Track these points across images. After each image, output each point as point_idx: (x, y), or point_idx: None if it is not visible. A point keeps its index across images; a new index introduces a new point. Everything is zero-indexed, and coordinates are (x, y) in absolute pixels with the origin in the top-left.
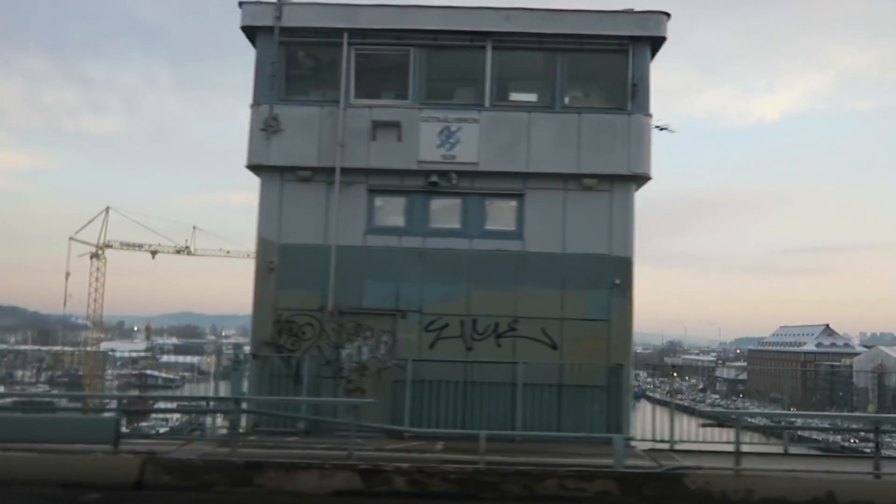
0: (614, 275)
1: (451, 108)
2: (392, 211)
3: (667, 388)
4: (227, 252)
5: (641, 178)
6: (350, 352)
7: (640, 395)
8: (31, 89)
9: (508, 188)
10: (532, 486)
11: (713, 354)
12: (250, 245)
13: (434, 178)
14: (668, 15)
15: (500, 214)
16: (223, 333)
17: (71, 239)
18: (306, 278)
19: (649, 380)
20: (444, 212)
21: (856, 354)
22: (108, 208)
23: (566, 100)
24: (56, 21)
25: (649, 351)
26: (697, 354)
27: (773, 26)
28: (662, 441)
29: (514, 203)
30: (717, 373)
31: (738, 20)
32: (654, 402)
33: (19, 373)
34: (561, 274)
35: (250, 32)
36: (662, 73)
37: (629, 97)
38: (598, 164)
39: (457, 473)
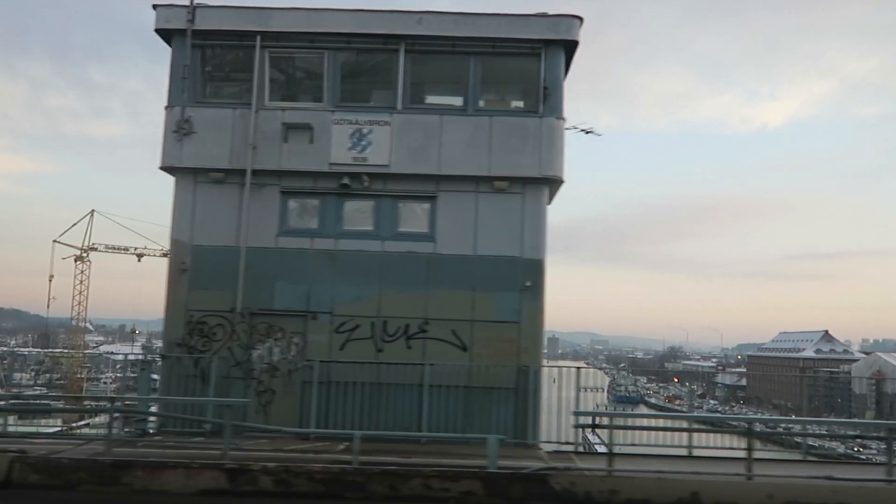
0: (525, 277)
1: (363, 111)
2: (305, 213)
3: (665, 394)
4: None
5: (553, 181)
6: (261, 353)
7: (639, 400)
8: (35, 94)
9: (421, 190)
10: (397, 487)
11: (714, 360)
12: None
13: (346, 181)
14: (580, 19)
15: (413, 216)
16: None
17: (55, 241)
18: (218, 280)
19: (648, 385)
20: (358, 214)
21: (854, 361)
22: (92, 211)
23: (481, 103)
24: (60, 26)
25: (650, 356)
26: (698, 360)
27: (776, 33)
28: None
29: (426, 205)
30: (718, 379)
31: (741, 27)
32: (651, 407)
33: (17, 375)
34: (472, 276)
35: (165, 35)
36: (665, 78)
37: (541, 100)
38: (509, 167)
39: (323, 473)
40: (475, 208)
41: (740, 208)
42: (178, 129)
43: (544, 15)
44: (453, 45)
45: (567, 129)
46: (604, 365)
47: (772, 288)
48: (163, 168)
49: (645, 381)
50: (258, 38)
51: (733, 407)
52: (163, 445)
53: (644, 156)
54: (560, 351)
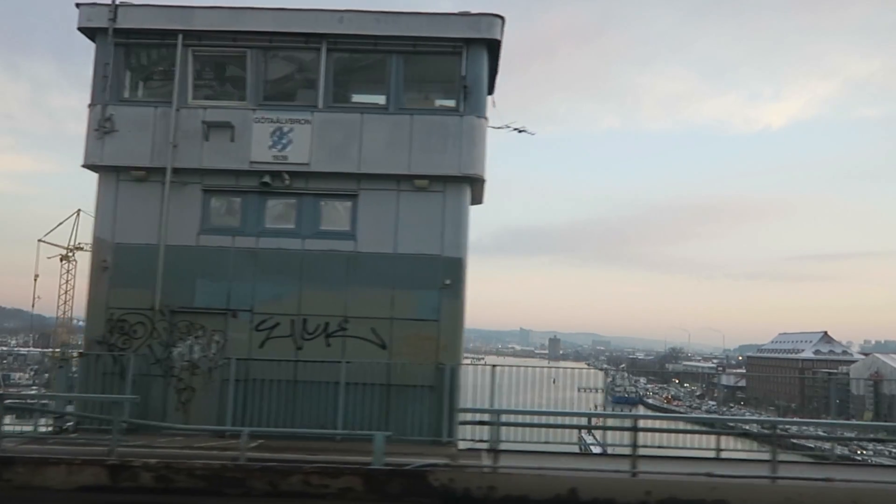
0: (445, 275)
1: (285, 110)
2: (226, 211)
3: (664, 395)
4: None
5: (475, 180)
6: (181, 350)
7: (638, 401)
8: (38, 94)
9: (342, 189)
10: (277, 483)
11: (715, 361)
12: None
13: (266, 179)
14: (501, 18)
15: (335, 215)
16: None
17: (40, 241)
18: (138, 277)
19: (648, 386)
20: (279, 212)
21: (853, 362)
22: (78, 211)
23: (403, 101)
24: (63, 27)
25: (651, 357)
26: (699, 361)
27: (779, 34)
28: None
29: (347, 203)
30: (718, 380)
31: (743, 27)
32: (649, 408)
33: (17, 375)
34: (392, 274)
35: (89, 33)
36: (667, 79)
37: (461, 99)
38: (429, 166)
39: (203, 469)
40: (396, 207)
41: (743, 209)
42: (100, 128)
43: (465, 14)
44: (375, 44)
45: (498, 128)
46: (605, 366)
47: (774, 289)
48: (85, 166)
49: (644, 381)
50: (180, 36)
51: (731, 408)
52: (73, 443)
53: (646, 156)
54: (561, 351)
